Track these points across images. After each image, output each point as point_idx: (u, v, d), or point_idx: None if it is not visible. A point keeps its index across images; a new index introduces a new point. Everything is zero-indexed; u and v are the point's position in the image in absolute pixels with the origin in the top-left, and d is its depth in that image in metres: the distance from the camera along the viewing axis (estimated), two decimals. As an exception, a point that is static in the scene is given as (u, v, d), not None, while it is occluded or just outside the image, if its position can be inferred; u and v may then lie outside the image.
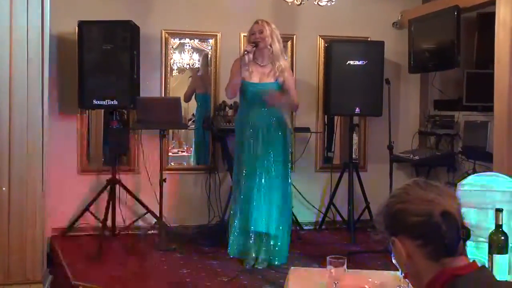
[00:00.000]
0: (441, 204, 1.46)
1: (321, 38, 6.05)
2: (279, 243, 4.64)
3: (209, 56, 6.07)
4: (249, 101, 4.74)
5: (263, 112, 4.67)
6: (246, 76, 4.69)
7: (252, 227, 4.59)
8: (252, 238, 4.62)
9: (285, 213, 4.71)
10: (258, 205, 4.58)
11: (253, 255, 4.60)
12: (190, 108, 6.76)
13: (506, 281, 1.58)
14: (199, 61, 6.76)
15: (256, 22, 4.71)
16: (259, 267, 4.56)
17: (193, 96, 6.48)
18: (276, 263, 4.62)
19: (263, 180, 4.61)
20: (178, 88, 6.74)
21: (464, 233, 1.48)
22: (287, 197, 4.75)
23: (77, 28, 5.20)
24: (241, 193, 4.68)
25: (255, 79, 4.70)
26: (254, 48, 4.65)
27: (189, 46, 6.79)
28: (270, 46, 4.67)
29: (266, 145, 4.65)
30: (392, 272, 2.45)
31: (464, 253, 1.49)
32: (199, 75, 6.59)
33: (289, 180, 4.78)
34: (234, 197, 4.83)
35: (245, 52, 4.64)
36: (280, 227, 4.64)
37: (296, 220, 5.75)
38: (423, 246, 1.46)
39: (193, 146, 6.59)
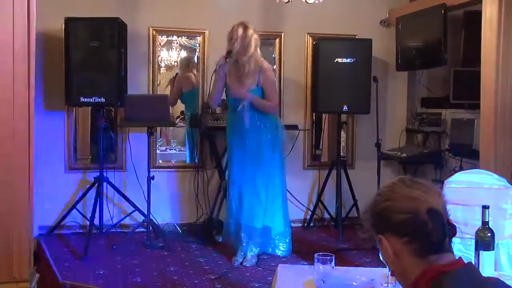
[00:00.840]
0: (427, 202, 1.47)
1: (309, 35, 6.05)
2: (275, 237, 4.73)
3: (196, 53, 6.06)
4: (232, 105, 4.78)
5: (245, 115, 4.63)
6: (228, 81, 4.69)
7: (241, 221, 4.66)
8: (242, 233, 4.65)
9: (277, 208, 4.73)
10: (243, 201, 4.65)
11: (241, 253, 4.63)
12: (178, 105, 6.75)
13: (491, 277, 1.59)
14: (176, 63, 6.78)
15: (232, 28, 4.59)
16: (247, 265, 4.57)
17: (180, 97, 6.50)
18: (279, 254, 4.75)
19: (246, 179, 4.67)
20: (166, 85, 6.72)
21: (450, 230, 1.49)
22: (275, 193, 4.75)
23: (63, 24, 5.16)
24: (229, 188, 4.81)
25: (235, 85, 4.67)
26: (227, 59, 4.59)
27: (177, 43, 6.76)
28: (248, 50, 4.53)
29: (248, 145, 4.67)
30: (379, 269, 2.46)
31: (450, 250, 1.49)
32: (180, 77, 6.59)
33: (279, 178, 4.78)
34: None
35: (217, 67, 4.63)
36: (270, 222, 4.69)
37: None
38: (410, 244, 1.47)
39: (186, 144, 6.57)
